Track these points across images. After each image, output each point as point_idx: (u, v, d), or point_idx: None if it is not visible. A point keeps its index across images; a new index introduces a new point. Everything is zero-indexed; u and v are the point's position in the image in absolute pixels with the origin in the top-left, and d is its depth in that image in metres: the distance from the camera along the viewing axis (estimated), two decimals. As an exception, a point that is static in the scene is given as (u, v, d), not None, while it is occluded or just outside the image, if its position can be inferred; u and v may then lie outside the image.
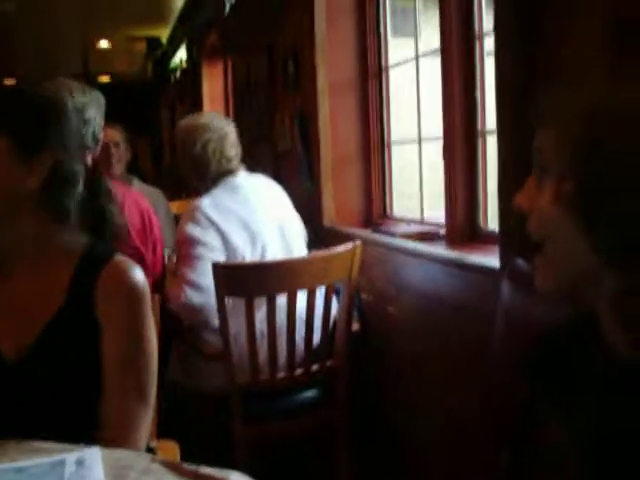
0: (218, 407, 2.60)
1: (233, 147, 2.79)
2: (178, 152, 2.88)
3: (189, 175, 2.86)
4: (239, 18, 5.21)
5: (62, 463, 1.07)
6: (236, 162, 2.79)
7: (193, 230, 2.63)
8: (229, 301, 2.50)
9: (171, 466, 1.02)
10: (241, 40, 5.23)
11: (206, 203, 2.68)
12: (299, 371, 2.61)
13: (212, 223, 2.64)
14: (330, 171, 3.51)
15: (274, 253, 2.72)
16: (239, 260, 2.65)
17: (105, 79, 10.60)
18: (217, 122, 2.85)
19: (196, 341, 2.72)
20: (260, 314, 2.51)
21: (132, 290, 1.40)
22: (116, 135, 3.63)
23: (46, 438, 1.20)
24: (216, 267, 2.46)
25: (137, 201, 2.76)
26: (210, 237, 2.63)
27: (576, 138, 0.86)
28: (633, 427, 0.86)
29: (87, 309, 1.39)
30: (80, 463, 1.06)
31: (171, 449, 1.75)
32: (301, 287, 2.54)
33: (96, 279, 1.40)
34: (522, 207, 0.92)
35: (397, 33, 3.43)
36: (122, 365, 1.39)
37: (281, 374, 2.58)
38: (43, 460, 1.08)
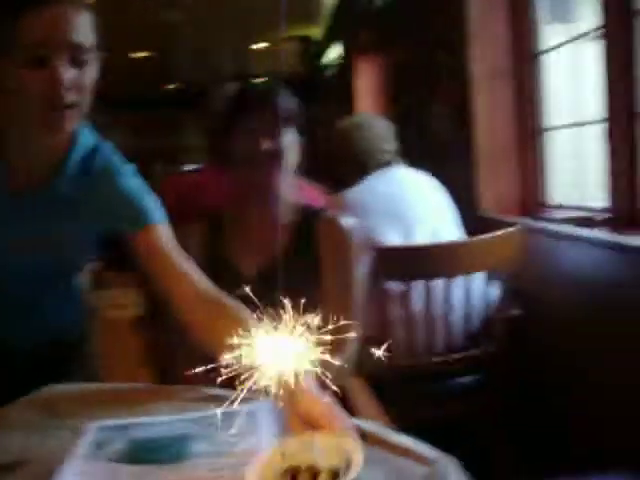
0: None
1: (388, 142, 2.85)
2: (336, 150, 2.95)
3: (346, 172, 2.88)
4: (391, 11, 5.26)
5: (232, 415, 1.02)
6: (391, 156, 2.84)
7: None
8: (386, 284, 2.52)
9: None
10: (393, 33, 5.28)
11: (355, 189, 2.74)
12: (457, 356, 2.60)
13: (359, 205, 2.64)
14: (486, 160, 3.50)
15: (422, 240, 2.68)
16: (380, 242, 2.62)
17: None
18: (371, 120, 2.95)
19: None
20: (417, 298, 2.54)
21: (343, 234, 1.80)
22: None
23: None
24: (375, 250, 2.41)
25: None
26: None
27: None
28: None
29: (309, 245, 1.79)
30: (251, 414, 1.11)
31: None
32: (461, 271, 2.52)
33: (315, 225, 1.82)
34: None
35: (551, 18, 3.36)
36: (335, 291, 1.74)
37: (438, 358, 2.59)
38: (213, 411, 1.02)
